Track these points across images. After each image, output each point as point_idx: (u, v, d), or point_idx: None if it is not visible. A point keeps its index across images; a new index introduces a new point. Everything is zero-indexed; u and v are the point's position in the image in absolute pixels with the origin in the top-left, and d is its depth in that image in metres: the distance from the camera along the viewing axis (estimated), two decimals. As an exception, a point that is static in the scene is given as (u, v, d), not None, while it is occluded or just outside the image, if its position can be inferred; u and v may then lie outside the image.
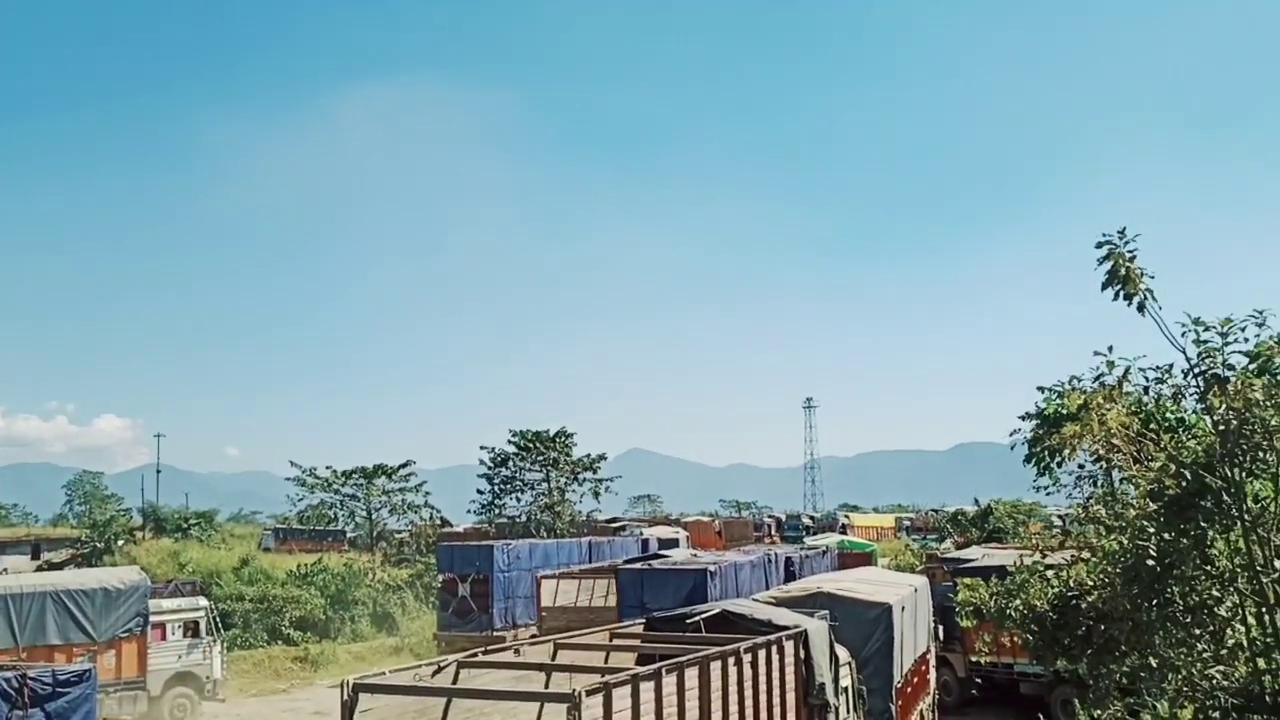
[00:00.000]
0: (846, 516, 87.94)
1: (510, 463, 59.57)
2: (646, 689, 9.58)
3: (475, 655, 11.54)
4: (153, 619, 26.11)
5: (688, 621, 13.91)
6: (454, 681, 10.64)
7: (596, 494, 60.39)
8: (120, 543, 51.80)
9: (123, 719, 23.50)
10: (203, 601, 28.52)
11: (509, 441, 59.59)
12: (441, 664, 10.74)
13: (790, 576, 28.50)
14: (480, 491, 60.35)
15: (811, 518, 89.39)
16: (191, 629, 27.28)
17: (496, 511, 60.15)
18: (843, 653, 14.57)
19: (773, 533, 74.47)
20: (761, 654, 12.00)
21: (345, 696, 9.33)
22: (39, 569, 47.07)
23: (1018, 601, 10.98)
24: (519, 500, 59.75)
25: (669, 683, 10.01)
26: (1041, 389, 12.68)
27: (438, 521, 60.49)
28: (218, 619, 28.89)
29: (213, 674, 27.38)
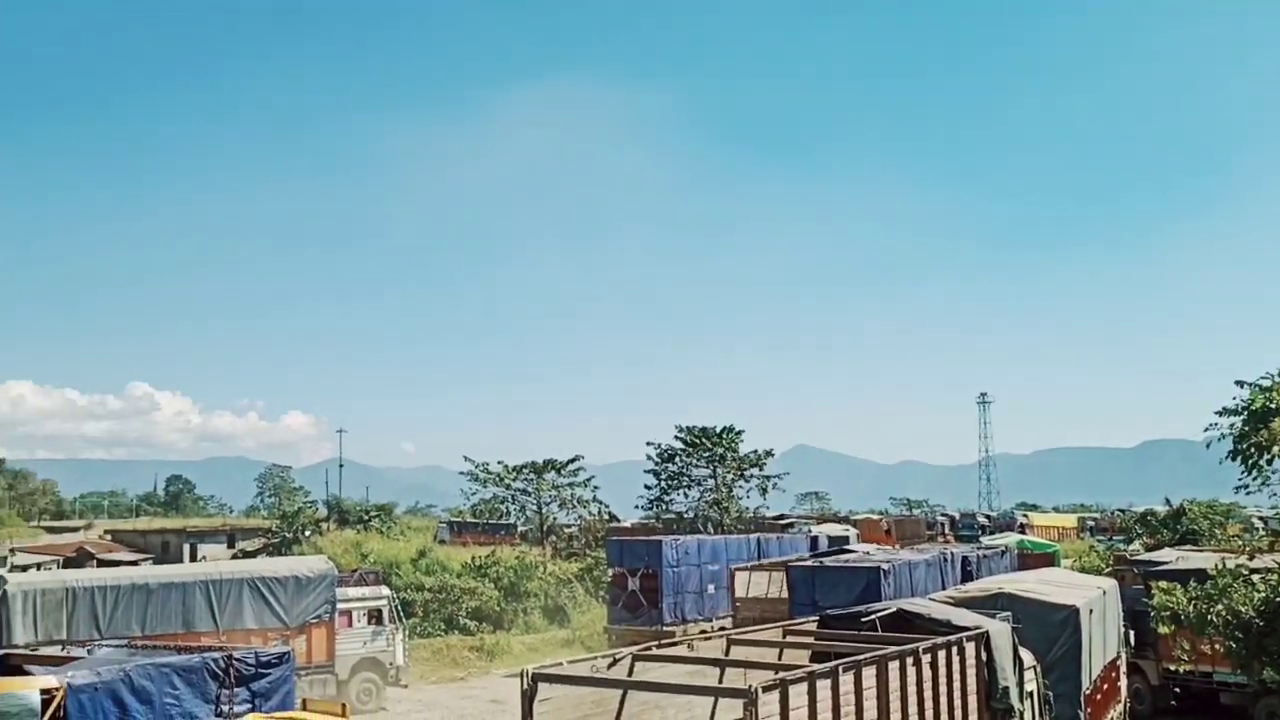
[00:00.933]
0: (1025, 516, 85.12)
1: (677, 459, 59.94)
2: (823, 687, 9.46)
3: (649, 649, 11.61)
4: (340, 606, 27.23)
5: (863, 620, 13.69)
6: (629, 674, 10.74)
7: (764, 490, 60.21)
8: (307, 533, 54.41)
9: (314, 700, 24.57)
10: (385, 591, 29.63)
11: (675, 438, 60.04)
12: (617, 656, 10.86)
13: (967, 577, 27.68)
14: (648, 487, 60.99)
15: (987, 516, 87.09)
16: (375, 617, 28.36)
17: (664, 507, 60.60)
18: (1027, 656, 14.06)
19: (946, 532, 72.72)
20: (941, 655, 11.70)
21: (525, 686, 9.54)
22: (234, 557, 50.12)
23: (1220, 607, 10.42)
24: (686, 496, 60.13)
25: (846, 681, 9.86)
26: (1241, 383, 11.92)
27: (605, 516, 61.35)
28: (399, 608, 29.95)
29: (396, 660, 28.37)
